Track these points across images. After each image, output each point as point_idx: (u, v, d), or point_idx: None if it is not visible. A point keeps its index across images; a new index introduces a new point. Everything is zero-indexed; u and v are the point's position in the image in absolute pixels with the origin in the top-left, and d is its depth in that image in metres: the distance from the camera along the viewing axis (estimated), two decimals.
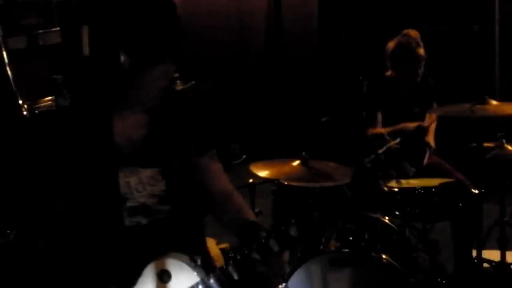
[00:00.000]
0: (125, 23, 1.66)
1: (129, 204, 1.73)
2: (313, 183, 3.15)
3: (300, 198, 3.23)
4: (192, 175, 1.84)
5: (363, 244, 2.86)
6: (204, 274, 1.69)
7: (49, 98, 3.26)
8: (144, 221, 1.75)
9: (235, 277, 1.66)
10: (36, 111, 3.02)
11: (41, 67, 3.70)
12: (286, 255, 1.71)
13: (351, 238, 2.89)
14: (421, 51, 3.61)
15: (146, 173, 1.76)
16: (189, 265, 1.69)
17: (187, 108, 1.90)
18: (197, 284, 1.69)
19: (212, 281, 1.68)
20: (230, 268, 1.66)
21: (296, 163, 3.12)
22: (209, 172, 1.91)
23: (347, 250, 2.82)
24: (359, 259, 2.75)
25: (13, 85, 3.30)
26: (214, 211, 1.92)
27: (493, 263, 3.42)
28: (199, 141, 1.89)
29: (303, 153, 3.09)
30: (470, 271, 3.37)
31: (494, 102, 3.12)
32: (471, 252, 3.44)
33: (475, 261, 3.29)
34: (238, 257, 1.65)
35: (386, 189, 3.16)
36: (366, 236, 2.89)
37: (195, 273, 1.69)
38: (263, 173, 3.05)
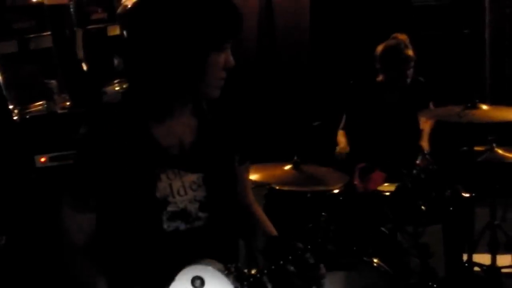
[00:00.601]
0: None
1: (170, 208, 1.69)
2: (305, 188, 3.16)
3: (292, 203, 3.23)
4: (233, 183, 1.82)
5: (355, 248, 2.87)
6: (237, 282, 1.65)
7: (40, 102, 3.26)
8: (182, 226, 1.71)
9: (269, 286, 1.62)
10: (27, 116, 3.01)
11: (32, 71, 3.68)
12: (323, 269, 1.69)
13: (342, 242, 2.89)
14: (410, 52, 3.64)
15: (189, 178, 1.72)
16: (223, 273, 1.66)
17: (235, 114, 1.90)
18: None
19: None
20: (265, 278, 1.62)
21: (288, 167, 3.12)
22: (242, 181, 1.89)
23: (338, 253, 2.82)
24: (351, 263, 2.75)
25: (3, 89, 3.29)
26: (242, 223, 1.91)
27: (484, 267, 3.44)
28: (243, 149, 1.88)
29: (295, 157, 3.10)
30: (461, 274, 3.38)
31: (484, 107, 3.14)
32: (462, 256, 3.46)
33: (466, 264, 3.30)
34: (273, 267, 1.61)
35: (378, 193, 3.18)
36: (357, 240, 2.89)
37: (228, 281, 1.65)
38: (254, 177, 3.05)
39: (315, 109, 5.81)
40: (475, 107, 3.12)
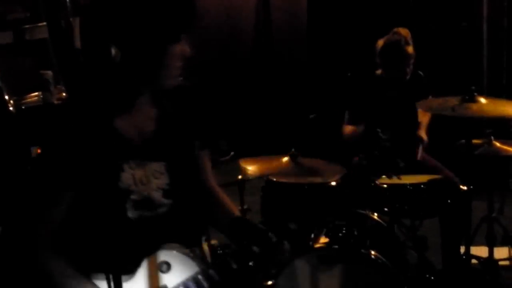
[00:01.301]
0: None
1: (133, 197, 1.73)
2: (302, 179, 3.15)
3: (289, 195, 3.23)
4: (196, 170, 1.87)
5: (352, 240, 2.86)
6: (203, 264, 1.73)
7: (36, 93, 3.23)
8: (147, 214, 1.75)
9: (234, 266, 1.70)
10: (23, 107, 2.99)
11: (27, 62, 3.66)
12: (287, 246, 1.75)
13: (340, 235, 2.89)
14: (410, 49, 3.61)
15: (152, 166, 1.77)
16: (189, 256, 1.73)
17: (195, 103, 1.94)
18: (196, 273, 1.72)
19: (211, 271, 1.71)
20: (229, 259, 1.70)
21: (285, 159, 3.11)
22: (203, 167, 1.95)
23: (336, 246, 2.81)
24: (348, 256, 2.75)
25: None
26: (206, 207, 1.96)
27: (481, 260, 3.44)
28: (203, 136, 1.93)
29: (293, 150, 3.09)
30: (458, 267, 3.38)
31: (482, 100, 3.12)
32: (459, 249, 3.46)
33: (463, 257, 3.29)
34: (237, 248, 1.72)
35: (375, 184, 3.17)
36: (355, 233, 2.89)
37: (194, 264, 1.73)
38: (252, 169, 3.04)
39: (312, 102, 5.80)
40: (473, 100, 3.10)
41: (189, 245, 1.77)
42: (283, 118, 6.01)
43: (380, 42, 3.69)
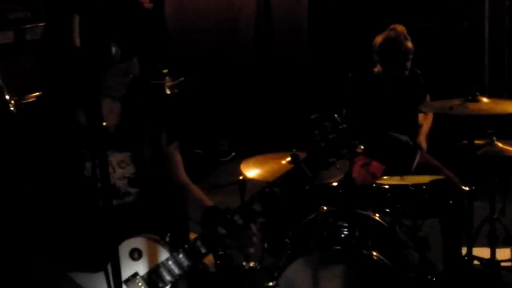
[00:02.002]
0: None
1: (99, 185, 1.77)
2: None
3: (290, 196, 3.21)
4: (161, 161, 1.95)
5: (353, 241, 2.85)
6: (173, 250, 1.80)
7: (37, 93, 3.22)
8: (113, 202, 1.79)
9: (203, 250, 1.77)
10: (23, 107, 2.98)
11: (28, 62, 3.66)
12: (253, 228, 1.81)
13: (342, 236, 2.88)
14: (409, 44, 3.61)
15: (117, 156, 1.85)
16: (159, 243, 1.81)
17: (160, 98, 2.04)
18: (167, 259, 1.80)
19: (181, 256, 1.79)
20: (198, 243, 1.77)
21: (286, 160, 3.09)
22: (174, 161, 2.05)
23: (338, 247, 2.81)
24: (350, 256, 2.74)
25: (0, 80, 3.26)
26: (176, 199, 2.04)
27: (483, 260, 3.43)
28: (169, 130, 1.99)
29: (294, 150, 3.07)
30: (460, 268, 3.37)
31: (484, 99, 3.11)
32: (460, 249, 3.45)
33: (465, 258, 3.28)
34: (205, 232, 1.78)
35: (376, 185, 3.17)
36: (357, 233, 2.88)
37: (164, 250, 1.80)
38: (252, 173, 3.02)
39: (313, 102, 5.78)
40: (475, 100, 3.10)
41: (158, 233, 1.84)
42: (284, 118, 6.00)
43: (378, 39, 3.68)
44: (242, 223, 1.77)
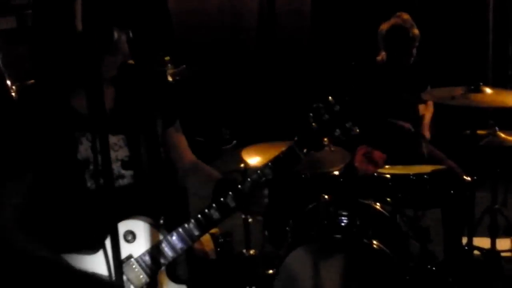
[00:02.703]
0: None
1: (91, 167, 1.81)
2: (305, 169, 3.13)
3: (292, 184, 3.22)
4: (156, 144, 1.94)
5: (354, 230, 2.85)
6: (166, 232, 1.81)
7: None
8: None
9: (196, 233, 1.79)
10: (19, 91, 2.97)
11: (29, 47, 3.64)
12: (265, 191, 1.82)
13: (342, 224, 2.88)
14: (416, 31, 3.61)
15: (111, 139, 1.85)
16: (152, 225, 1.81)
17: (155, 82, 1.99)
18: (160, 242, 1.81)
19: (174, 238, 1.80)
20: (191, 226, 1.79)
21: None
22: (177, 143, 2.03)
23: (338, 236, 2.81)
24: (350, 245, 2.74)
25: (1, 66, 3.25)
26: (186, 180, 2.03)
27: (484, 251, 3.43)
28: (166, 113, 1.99)
29: (296, 138, 3.06)
30: (460, 258, 3.37)
31: (488, 90, 3.10)
32: (461, 240, 3.45)
33: (466, 248, 3.29)
34: (199, 216, 1.78)
35: (378, 174, 3.16)
36: (358, 223, 2.88)
37: (158, 233, 1.81)
38: (254, 160, 3.01)
39: (316, 90, 5.77)
40: (478, 90, 3.08)
41: (152, 216, 1.85)
42: (286, 107, 5.98)
43: (385, 26, 3.67)
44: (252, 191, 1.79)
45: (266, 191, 1.82)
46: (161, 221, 1.83)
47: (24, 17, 4.03)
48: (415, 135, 3.67)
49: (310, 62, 6.11)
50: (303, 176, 3.26)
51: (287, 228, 3.04)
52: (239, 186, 1.78)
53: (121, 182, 1.87)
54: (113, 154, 1.85)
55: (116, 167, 1.86)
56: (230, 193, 1.78)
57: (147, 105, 1.94)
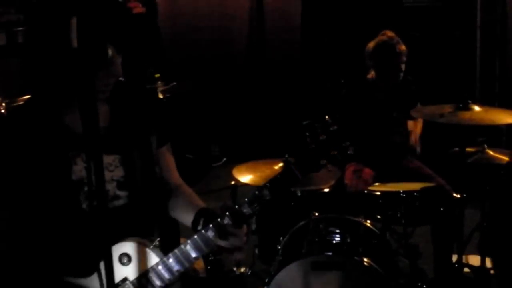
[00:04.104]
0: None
1: (86, 188, 1.77)
2: (296, 187, 3.14)
3: (282, 201, 3.21)
4: (151, 163, 1.92)
5: (345, 247, 2.85)
6: (162, 255, 1.78)
7: (28, 96, 3.20)
8: None
9: (193, 254, 1.75)
10: (13, 110, 2.96)
11: (19, 64, 3.64)
12: (244, 229, 1.78)
13: (333, 242, 2.88)
14: (402, 46, 3.63)
15: (105, 159, 1.79)
16: (148, 247, 1.78)
17: (149, 100, 1.98)
18: (156, 264, 1.78)
19: (171, 260, 1.77)
20: (188, 247, 1.75)
21: (278, 165, 3.10)
22: (165, 163, 2.01)
23: (329, 253, 2.80)
24: (341, 263, 2.74)
25: None
26: (168, 201, 2.01)
27: (473, 268, 3.43)
28: (159, 132, 1.97)
29: (286, 156, 3.08)
30: (450, 275, 3.38)
31: (476, 108, 3.12)
32: (451, 257, 3.45)
33: (456, 265, 3.29)
34: (196, 236, 1.75)
35: (368, 191, 3.17)
36: (348, 240, 2.88)
37: (154, 254, 1.78)
38: (245, 178, 3.02)
39: (305, 108, 5.79)
40: (466, 108, 3.11)
41: (148, 237, 1.83)
42: (276, 124, 6.00)
43: (371, 44, 3.70)
44: (232, 225, 1.74)
45: (245, 228, 1.79)
46: (157, 243, 1.81)
47: (14, 34, 4.03)
48: (404, 149, 3.70)
49: (299, 79, 6.14)
50: (293, 193, 3.26)
51: (277, 245, 3.03)
52: (219, 219, 1.75)
53: (117, 203, 1.84)
54: (108, 175, 1.81)
55: (112, 187, 1.83)
56: (211, 225, 1.75)
57: (142, 124, 1.91)
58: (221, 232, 1.74)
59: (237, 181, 3.09)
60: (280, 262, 2.84)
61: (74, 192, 1.77)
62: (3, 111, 3.12)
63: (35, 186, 1.76)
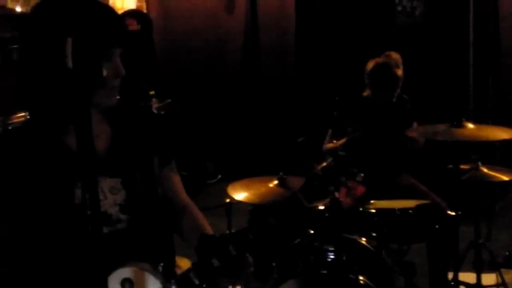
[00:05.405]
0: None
1: (89, 212, 1.72)
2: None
3: (277, 218, 3.20)
4: (153, 185, 1.88)
5: (340, 265, 2.84)
6: (165, 280, 1.72)
7: (23, 113, 3.20)
8: (105, 230, 1.74)
9: (196, 282, 1.69)
10: (9, 127, 2.96)
11: (14, 82, 3.63)
12: (249, 259, 1.75)
13: (328, 260, 2.86)
14: (399, 72, 3.65)
15: (108, 182, 1.78)
16: (151, 273, 1.72)
17: (150, 120, 1.94)
18: None
19: (173, 287, 1.70)
20: (191, 274, 1.69)
21: (273, 183, 3.09)
22: (170, 183, 1.98)
23: (324, 271, 2.79)
24: (336, 281, 2.73)
25: None
26: (173, 222, 1.97)
27: (469, 286, 3.42)
28: (162, 152, 1.93)
29: (281, 173, 3.07)
30: None
31: (470, 125, 3.14)
32: (447, 274, 3.44)
33: (451, 283, 3.28)
34: (199, 262, 1.69)
35: (363, 209, 3.17)
36: (344, 258, 2.87)
37: (157, 280, 1.72)
38: (240, 196, 3.01)
39: (300, 125, 5.80)
40: (460, 125, 3.12)
41: (151, 261, 1.76)
42: (271, 141, 6.00)
43: (371, 63, 3.74)
44: (237, 254, 1.68)
45: (250, 258, 1.77)
46: (160, 269, 1.75)
47: (8, 51, 4.03)
48: (395, 168, 3.70)
49: (294, 96, 6.16)
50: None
51: (273, 263, 3.02)
52: (223, 247, 1.68)
53: (119, 226, 1.81)
54: (111, 198, 1.78)
55: (115, 211, 1.79)
56: (213, 258, 1.68)
57: (144, 144, 1.88)
58: (225, 259, 1.67)
59: (231, 198, 3.08)
60: (275, 280, 2.82)
61: (77, 216, 1.73)
62: None
63: (35, 209, 1.72)
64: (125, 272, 1.71)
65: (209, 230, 1.93)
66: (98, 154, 1.77)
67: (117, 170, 1.81)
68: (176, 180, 2.01)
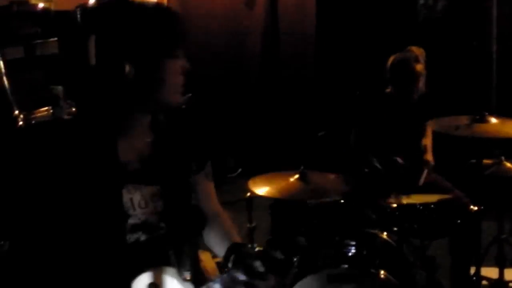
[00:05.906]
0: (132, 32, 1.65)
1: (131, 221, 1.72)
2: (310, 198, 3.12)
3: (298, 213, 3.21)
4: (189, 193, 1.86)
5: (361, 260, 2.83)
6: (193, 287, 1.72)
7: (46, 108, 3.24)
8: (143, 237, 1.74)
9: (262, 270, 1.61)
10: (32, 122, 2.99)
11: (38, 77, 3.67)
12: (272, 279, 1.65)
13: (349, 254, 2.86)
14: (419, 67, 3.60)
15: (149, 190, 1.76)
16: (178, 280, 1.71)
17: (190, 124, 1.92)
18: None
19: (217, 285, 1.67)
20: (217, 286, 1.65)
21: (294, 177, 3.09)
22: (203, 190, 1.95)
23: (345, 266, 2.79)
24: (357, 275, 2.72)
25: (9, 95, 3.27)
26: (203, 229, 1.93)
27: (491, 281, 3.40)
28: (199, 157, 1.91)
29: (302, 167, 3.07)
30: None
31: (493, 119, 3.10)
32: (469, 269, 3.42)
33: (473, 278, 3.26)
34: (225, 275, 1.65)
35: (384, 204, 3.16)
36: (365, 252, 2.86)
37: (184, 287, 1.71)
38: (261, 190, 3.01)
39: (321, 119, 5.79)
40: (482, 119, 3.09)
41: (181, 268, 1.77)
42: (292, 136, 6.00)
43: (391, 59, 3.70)
44: (263, 272, 1.60)
45: (273, 280, 1.67)
46: (188, 276, 1.75)
47: (31, 47, 4.07)
48: (414, 169, 3.67)
49: (314, 90, 6.14)
50: (308, 204, 3.25)
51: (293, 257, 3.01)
52: (249, 262, 1.61)
53: (155, 234, 1.77)
54: (152, 206, 1.75)
55: (155, 220, 1.76)
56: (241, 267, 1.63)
57: (184, 149, 1.84)
58: (251, 274, 1.61)
59: (252, 193, 3.08)
60: (295, 274, 2.83)
61: (118, 224, 1.70)
62: (21, 123, 3.14)
63: (76, 213, 1.67)
64: (152, 276, 1.68)
65: (237, 239, 1.89)
66: (142, 161, 1.75)
67: (158, 178, 1.77)
68: (209, 187, 1.97)
